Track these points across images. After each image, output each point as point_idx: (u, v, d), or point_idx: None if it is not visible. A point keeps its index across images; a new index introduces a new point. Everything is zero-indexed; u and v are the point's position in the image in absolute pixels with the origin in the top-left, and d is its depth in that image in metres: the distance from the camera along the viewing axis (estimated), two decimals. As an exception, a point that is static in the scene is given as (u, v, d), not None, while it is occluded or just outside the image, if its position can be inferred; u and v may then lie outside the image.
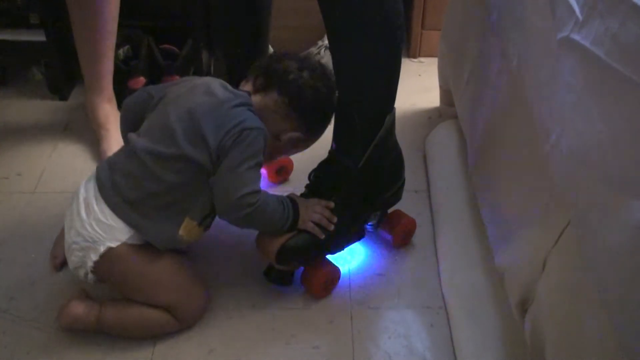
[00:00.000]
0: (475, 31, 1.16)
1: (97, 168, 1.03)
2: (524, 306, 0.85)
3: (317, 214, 1.04)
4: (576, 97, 0.67)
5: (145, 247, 1.00)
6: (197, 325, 1.06)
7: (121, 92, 1.51)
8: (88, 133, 1.46)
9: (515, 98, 0.92)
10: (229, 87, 1.03)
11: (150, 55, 1.52)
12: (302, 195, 1.09)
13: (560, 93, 0.71)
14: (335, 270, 1.11)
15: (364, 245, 1.18)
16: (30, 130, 1.50)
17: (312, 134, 1.08)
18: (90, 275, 1.01)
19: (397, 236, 1.18)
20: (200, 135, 0.95)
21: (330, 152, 1.09)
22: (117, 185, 0.98)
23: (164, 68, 1.50)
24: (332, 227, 1.04)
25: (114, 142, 1.40)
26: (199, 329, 1.05)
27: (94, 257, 0.98)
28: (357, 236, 1.13)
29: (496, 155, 1.03)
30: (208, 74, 1.59)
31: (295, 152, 1.13)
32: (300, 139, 1.07)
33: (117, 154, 1.04)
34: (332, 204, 1.05)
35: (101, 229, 0.97)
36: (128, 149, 1.01)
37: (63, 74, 1.58)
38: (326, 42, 1.56)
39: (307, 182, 1.12)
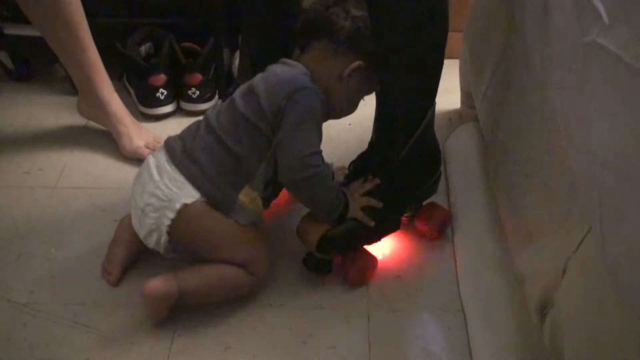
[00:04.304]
0: (498, 33, 1.15)
1: (167, 139, 1.08)
2: (543, 310, 0.84)
3: (363, 201, 1.07)
4: (602, 102, 0.66)
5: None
6: (214, 322, 1.06)
7: (142, 89, 1.53)
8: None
9: (537, 101, 0.92)
10: (288, 61, 1.07)
11: (171, 53, 1.52)
12: (341, 185, 1.12)
13: (585, 97, 0.70)
14: (373, 259, 1.12)
15: (383, 246, 1.18)
16: (52, 125, 1.51)
17: (368, 57, 1.04)
18: (164, 238, 1.02)
19: (433, 227, 1.19)
20: (256, 102, 1.01)
21: (370, 144, 1.11)
22: (187, 149, 1.03)
23: (185, 66, 1.51)
24: (380, 205, 1.06)
25: (135, 135, 1.40)
26: (216, 326, 1.06)
27: (171, 214, 1.00)
28: (394, 227, 1.14)
29: (517, 158, 1.02)
30: (229, 72, 1.59)
31: (370, 89, 1.10)
32: (361, 68, 1.05)
33: (186, 129, 1.08)
34: (376, 181, 1.08)
35: (175, 187, 1.00)
36: (197, 123, 1.07)
37: (85, 70, 1.59)
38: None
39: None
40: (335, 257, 1.12)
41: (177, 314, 1.07)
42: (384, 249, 1.17)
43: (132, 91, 1.57)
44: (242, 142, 1.02)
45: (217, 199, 1.02)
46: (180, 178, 1.01)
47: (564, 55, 0.79)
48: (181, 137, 1.07)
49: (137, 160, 1.38)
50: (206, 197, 1.01)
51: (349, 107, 1.11)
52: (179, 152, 1.04)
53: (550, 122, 0.84)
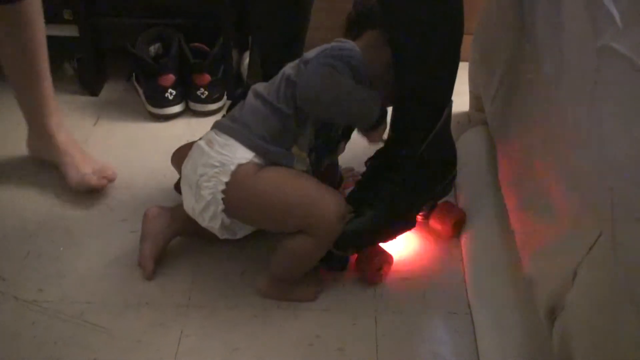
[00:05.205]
0: (508, 37, 1.15)
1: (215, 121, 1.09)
2: (552, 314, 0.84)
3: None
4: (616, 106, 0.66)
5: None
6: (222, 323, 1.06)
7: (151, 89, 1.53)
8: (119, 128, 1.48)
9: (548, 106, 0.91)
10: (342, 39, 1.10)
11: (180, 53, 1.53)
12: (357, 182, 1.13)
13: (598, 101, 0.70)
14: (389, 256, 1.13)
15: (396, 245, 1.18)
16: (61, 124, 1.52)
17: None
18: (220, 208, 1.01)
19: (447, 227, 1.20)
20: (302, 61, 1.04)
21: (386, 141, 1.11)
22: (234, 117, 1.05)
23: (194, 66, 1.51)
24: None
25: (81, 164, 1.31)
26: (223, 327, 1.06)
27: (225, 178, 1.00)
28: (409, 225, 1.15)
29: (527, 163, 1.02)
30: (238, 72, 1.59)
31: None
32: None
33: (233, 109, 1.10)
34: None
35: (227, 151, 1.01)
36: (242, 101, 1.08)
37: (94, 69, 1.60)
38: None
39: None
40: (352, 254, 1.13)
41: (185, 314, 1.07)
42: (397, 247, 1.18)
43: (140, 91, 1.57)
44: (288, 103, 1.03)
45: (270, 152, 1.02)
46: (231, 142, 1.02)
47: (576, 59, 0.79)
48: (228, 114, 1.08)
49: (85, 191, 1.30)
50: (260, 154, 1.02)
51: (389, 98, 1.10)
52: (226, 122, 1.05)
53: (561, 125, 0.83)
